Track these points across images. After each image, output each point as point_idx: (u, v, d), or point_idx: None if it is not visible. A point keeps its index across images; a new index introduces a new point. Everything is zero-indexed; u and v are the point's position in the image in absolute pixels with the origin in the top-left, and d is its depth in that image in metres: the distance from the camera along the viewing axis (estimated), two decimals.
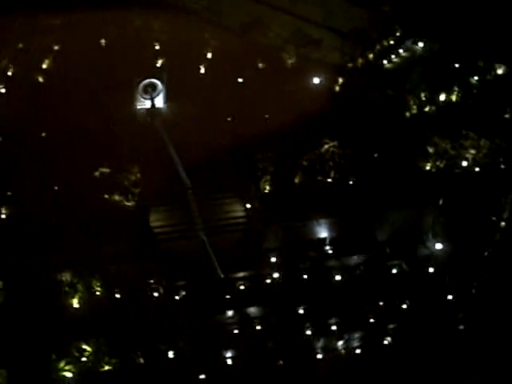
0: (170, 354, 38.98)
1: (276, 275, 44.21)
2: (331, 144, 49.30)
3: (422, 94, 55.12)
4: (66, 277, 41.39)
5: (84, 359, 37.45)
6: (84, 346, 37.56)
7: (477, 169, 49.61)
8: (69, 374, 37.15)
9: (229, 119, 55.15)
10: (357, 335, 41.00)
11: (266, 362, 39.19)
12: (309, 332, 40.94)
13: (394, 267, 45.49)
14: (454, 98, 55.65)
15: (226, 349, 39.68)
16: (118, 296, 41.92)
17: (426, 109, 55.05)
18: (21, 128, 52.38)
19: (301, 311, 42.05)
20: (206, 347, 39.41)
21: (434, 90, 55.42)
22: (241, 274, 44.27)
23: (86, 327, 39.35)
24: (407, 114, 54.84)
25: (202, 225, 45.89)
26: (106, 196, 45.49)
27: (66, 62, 61.16)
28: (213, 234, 45.66)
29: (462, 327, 41.87)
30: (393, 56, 62.34)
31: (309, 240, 46.73)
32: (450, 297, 43.41)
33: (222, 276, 43.92)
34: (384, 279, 44.65)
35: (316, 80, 59.83)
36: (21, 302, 40.41)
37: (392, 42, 63.19)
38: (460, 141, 49.63)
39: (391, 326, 41.61)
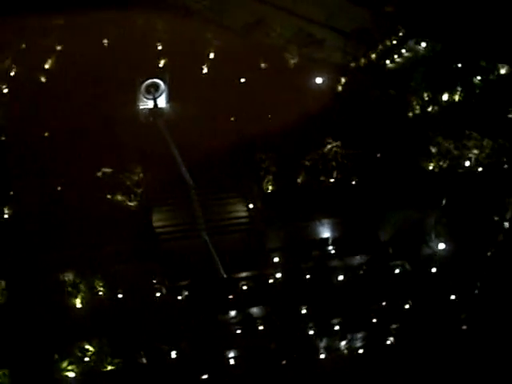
0: (173, 354, 39.00)
1: (279, 275, 44.22)
2: (334, 144, 49.28)
3: (425, 94, 55.11)
4: (69, 277, 41.44)
5: (87, 359, 37.50)
6: (87, 346, 37.60)
7: (480, 169, 49.59)
8: (71, 374, 37.20)
9: (231, 119, 55.19)
10: (360, 335, 40.99)
11: (268, 362, 39.17)
12: (312, 332, 40.94)
13: (396, 267, 45.47)
14: (456, 97, 55.65)
15: (229, 349, 39.69)
16: (120, 296, 41.95)
17: (429, 109, 55.03)
18: (23, 128, 52.45)
19: (303, 311, 42.05)
20: (209, 347, 39.43)
21: (437, 89, 55.41)
22: (243, 274, 44.28)
23: (88, 327, 39.43)
24: (410, 114, 54.84)
25: (204, 225, 45.91)
26: (109, 196, 45.54)
27: (68, 62, 61.17)
28: (215, 234, 45.68)
29: (464, 327, 41.82)
30: (395, 56, 62.36)
31: (311, 240, 46.73)
32: (452, 297, 43.37)
33: (225, 276, 43.92)
34: (387, 279, 44.63)
35: (319, 80, 59.79)
36: (23, 302, 40.45)
37: (395, 42, 63.22)
38: (463, 141, 49.61)
39: (394, 326, 41.60)
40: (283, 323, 41.18)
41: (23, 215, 44.85)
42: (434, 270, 45.12)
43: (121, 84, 57.34)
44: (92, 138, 51.32)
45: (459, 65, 57.58)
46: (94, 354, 37.52)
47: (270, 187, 47.78)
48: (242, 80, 60.55)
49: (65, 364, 37.12)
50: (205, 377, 38.16)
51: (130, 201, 45.67)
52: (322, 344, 40.41)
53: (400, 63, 61.83)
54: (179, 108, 56.99)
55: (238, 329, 40.91)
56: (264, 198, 47.56)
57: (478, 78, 56.83)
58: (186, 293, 42.62)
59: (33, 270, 41.75)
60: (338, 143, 49.32)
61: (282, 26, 64.98)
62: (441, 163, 49.35)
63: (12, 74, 59.50)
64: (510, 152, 49.62)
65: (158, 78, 56.67)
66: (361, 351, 40.46)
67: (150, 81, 56.45)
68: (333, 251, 46.34)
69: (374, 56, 61.65)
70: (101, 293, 41.63)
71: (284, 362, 39.18)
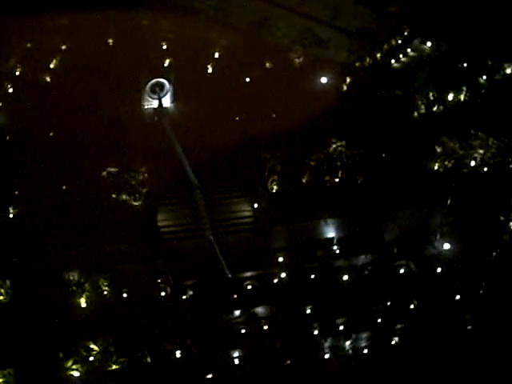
0: (178, 354, 38.99)
1: (283, 275, 44.19)
2: (339, 144, 49.20)
3: (430, 94, 55.02)
4: (74, 276, 41.46)
5: (91, 358, 37.51)
6: (91, 346, 37.63)
7: (485, 169, 49.45)
8: (76, 374, 37.20)
9: (236, 119, 55.17)
10: (364, 335, 40.93)
11: (273, 362, 39.14)
12: (316, 332, 40.89)
13: (401, 267, 45.38)
14: (462, 97, 55.55)
15: (233, 348, 39.65)
16: (125, 295, 41.98)
17: (434, 108, 54.93)
18: (28, 127, 52.53)
19: (308, 311, 42.01)
20: (214, 347, 39.40)
21: (442, 89, 55.32)
22: (248, 274, 44.25)
23: (93, 326, 39.43)
24: (415, 114, 54.73)
25: (209, 224, 45.88)
26: (114, 196, 45.57)
27: (73, 61, 61.27)
28: (220, 234, 45.66)
29: (469, 328, 41.72)
30: (401, 55, 62.30)
31: (316, 240, 46.69)
32: (457, 297, 43.28)
33: (230, 276, 43.89)
34: (391, 279, 44.55)
35: (323, 79, 59.77)
36: (28, 301, 40.49)
37: (400, 42, 63.15)
38: (468, 140, 49.52)
39: (399, 326, 41.51)
40: (288, 323, 41.13)
41: (28, 215, 44.88)
42: (438, 270, 45.02)
43: (126, 83, 57.40)
44: (97, 138, 51.38)
45: (465, 64, 57.46)
46: (98, 353, 37.55)
47: (275, 187, 47.73)
48: (247, 79, 60.55)
49: (69, 363, 37.13)
50: (209, 376, 38.13)
51: (135, 200, 45.70)
52: (327, 344, 40.37)
53: (405, 63, 61.77)
54: (184, 107, 57.03)
55: (243, 328, 40.86)
56: (269, 197, 47.52)
57: (484, 77, 56.68)
58: (191, 292, 42.62)
59: (37, 269, 41.77)
60: (343, 143, 49.24)
61: (287, 26, 64.94)
62: (446, 163, 49.25)
63: (17, 73, 59.62)
64: None
65: (163, 78, 56.74)
66: (365, 351, 40.38)
67: (154, 80, 56.55)
68: (337, 251, 46.30)
69: (379, 55, 61.59)
70: (105, 292, 41.64)
71: (289, 362, 39.12)
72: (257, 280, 43.96)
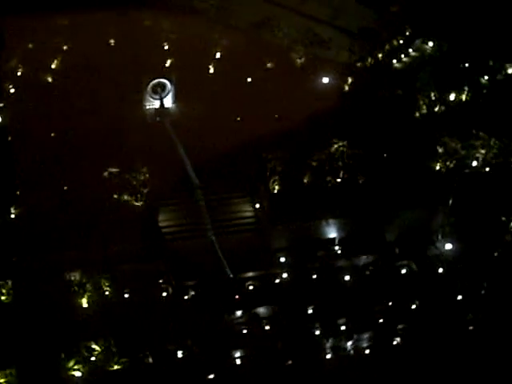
0: (179, 354, 38.99)
1: (285, 275, 44.17)
2: (340, 144, 49.14)
3: (432, 94, 54.98)
4: (75, 276, 41.45)
5: (93, 359, 37.51)
6: (93, 346, 37.62)
7: (487, 169, 49.40)
8: (78, 374, 37.22)
9: (238, 119, 55.18)
10: (366, 335, 40.91)
11: (275, 362, 39.13)
12: (318, 332, 40.88)
13: (403, 267, 45.36)
14: (463, 97, 55.53)
15: (235, 348, 39.65)
16: (126, 296, 41.98)
17: (436, 108, 54.90)
18: (30, 128, 52.57)
19: (310, 311, 41.99)
20: (215, 347, 39.40)
21: (444, 89, 55.29)
22: (250, 274, 44.23)
23: (95, 327, 39.43)
24: (417, 114, 54.72)
25: (210, 225, 45.90)
26: (115, 196, 45.55)
27: (74, 62, 61.35)
28: (222, 234, 45.67)
29: (471, 328, 41.69)
30: (402, 55, 62.29)
31: (318, 240, 46.67)
32: (459, 297, 43.25)
33: (231, 276, 43.89)
34: (393, 279, 44.52)
35: (325, 79, 59.76)
36: (30, 302, 40.52)
37: (401, 42, 63.16)
38: (470, 141, 49.43)
39: (400, 327, 41.49)
40: (289, 323, 41.13)
41: (29, 215, 44.90)
42: (440, 270, 44.98)
43: (127, 84, 57.46)
44: (98, 138, 51.47)
45: (466, 64, 57.44)
46: (100, 353, 37.54)
47: (277, 187, 47.72)
48: (249, 80, 60.57)
49: (71, 363, 37.16)
50: (211, 376, 38.13)
51: (137, 201, 45.69)
52: (329, 344, 40.35)
53: (407, 63, 61.79)
54: (185, 108, 57.05)
55: (244, 329, 40.87)
56: (270, 197, 47.51)
57: (486, 77, 56.66)
58: (193, 292, 42.62)
59: (39, 269, 41.78)
60: (345, 143, 49.18)
61: (289, 26, 64.97)
62: (447, 163, 49.20)
63: (18, 74, 59.67)
64: None
65: (165, 78, 56.76)
66: (367, 351, 40.36)
67: (156, 80, 56.55)
68: (339, 251, 46.28)
69: (380, 55, 61.59)
70: (107, 292, 41.64)
71: (290, 362, 39.11)
72: (258, 280, 43.97)
